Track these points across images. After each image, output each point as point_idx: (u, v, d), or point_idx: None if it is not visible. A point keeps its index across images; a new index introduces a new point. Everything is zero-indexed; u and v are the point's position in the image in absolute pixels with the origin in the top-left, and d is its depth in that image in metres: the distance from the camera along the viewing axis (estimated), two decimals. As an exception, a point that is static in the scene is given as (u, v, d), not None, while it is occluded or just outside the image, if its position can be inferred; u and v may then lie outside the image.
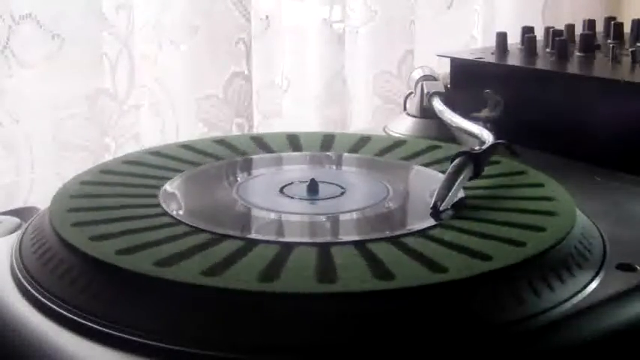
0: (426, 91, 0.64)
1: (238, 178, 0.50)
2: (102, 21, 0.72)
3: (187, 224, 0.41)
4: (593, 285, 0.38)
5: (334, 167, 0.54)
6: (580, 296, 0.37)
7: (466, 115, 0.61)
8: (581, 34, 0.69)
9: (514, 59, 0.67)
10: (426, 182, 0.47)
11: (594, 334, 0.36)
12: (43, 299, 0.37)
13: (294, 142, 0.56)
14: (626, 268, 0.39)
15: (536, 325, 0.35)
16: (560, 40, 0.66)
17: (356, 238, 0.40)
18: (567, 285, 0.37)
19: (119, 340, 0.33)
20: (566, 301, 0.36)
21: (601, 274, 0.39)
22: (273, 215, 0.43)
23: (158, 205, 0.44)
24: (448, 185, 0.44)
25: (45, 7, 0.69)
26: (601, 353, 0.36)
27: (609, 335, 0.36)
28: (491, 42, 0.71)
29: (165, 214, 0.43)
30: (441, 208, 0.43)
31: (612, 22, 0.74)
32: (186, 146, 0.55)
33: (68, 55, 0.70)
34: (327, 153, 0.55)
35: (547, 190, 0.46)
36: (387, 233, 0.40)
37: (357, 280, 0.35)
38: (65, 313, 0.35)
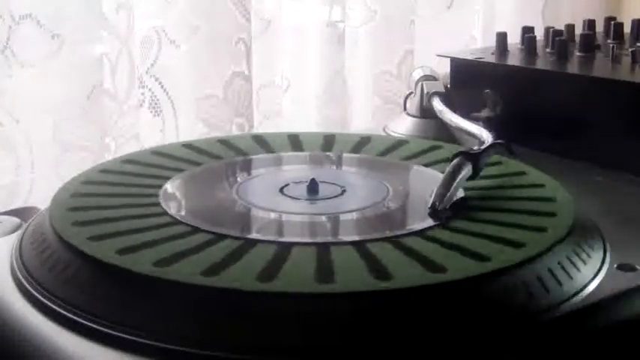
0: (426, 91, 0.64)
1: (238, 178, 0.50)
2: (102, 21, 0.72)
3: (187, 224, 0.41)
4: (593, 285, 0.38)
5: (334, 167, 0.54)
6: (580, 296, 0.37)
7: (466, 115, 0.61)
8: (581, 34, 0.69)
9: (514, 59, 0.67)
10: (426, 182, 0.47)
11: (594, 334, 0.36)
12: (43, 299, 0.37)
13: (294, 141, 0.56)
14: (626, 268, 0.39)
15: (537, 324, 0.35)
16: (560, 40, 0.66)
17: (355, 238, 0.40)
18: (568, 285, 0.37)
19: (119, 340, 0.33)
20: (566, 301, 0.36)
21: (601, 274, 0.39)
22: (272, 215, 0.43)
23: (158, 205, 0.44)
24: (446, 185, 0.44)
25: (45, 7, 0.69)
26: (601, 353, 0.36)
27: (609, 335, 0.36)
28: (492, 42, 0.71)
29: (165, 213, 0.43)
30: (440, 208, 0.43)
31: (612, 22, 0.74)
32: (189, 145, 0.55)
33: (68, 55, 0.70)
34: (327, 153, 0.55)
35: (547, 190, 0.46)
36: (386, 233, 0.40)
37: (356, 281, 0.35)
38: (65, 313, 0.35)
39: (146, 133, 0.78)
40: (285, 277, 0.35)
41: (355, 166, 0.53)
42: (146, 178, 0.48)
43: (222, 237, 0.39)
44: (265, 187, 0.48)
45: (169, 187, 0.47)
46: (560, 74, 0.62)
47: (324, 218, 0.43)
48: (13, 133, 0.69)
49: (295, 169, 0.52)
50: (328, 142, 0.56)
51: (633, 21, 0.72)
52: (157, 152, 0.53)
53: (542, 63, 0.65)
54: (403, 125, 0.65)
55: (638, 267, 0.39)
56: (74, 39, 0.70)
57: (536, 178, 0.48)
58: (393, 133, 0.64)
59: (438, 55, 0.71)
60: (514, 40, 0.72)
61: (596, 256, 0.40)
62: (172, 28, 0.78)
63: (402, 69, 0.94)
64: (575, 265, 0.38)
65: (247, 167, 0.52)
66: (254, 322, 0.33)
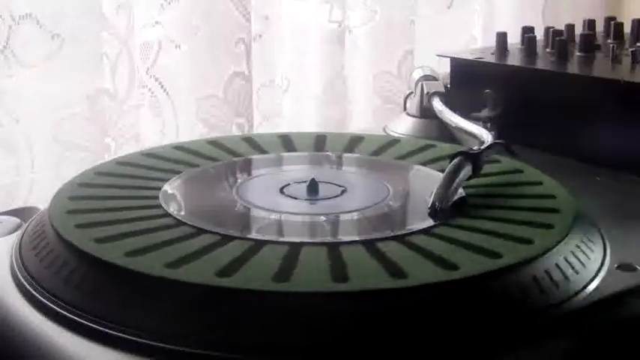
0: (426, 91, 0.64)
1: (238, 179, 0.49)
2: (102, 21, 0.72)
3: (174, 217, 0.41)
4: (594, 285, 0.38)
5: (335, 167, 0.54)
6: (580, 296, 0.37)
7: (466, 115, 0.61)
8: (581, 34, 0.69)
9: (514, 59, 0.67)
10: (427, 182, 0.47)
11: (594, 335, 0.36)
12: (43, 299, 0.37)
13: (319, 143, 0.56)
14: (626, 268, 0.39)
15: (535, 325, 0.35)
16: (560, 40, 0.66)
17: (363, 237, 0.40)
18: (567, 285, 0.37)
19: (119, 340, 0.33)
20: (566, 301, 0.36)
21: (601, 274, 0.39)
22: (276, 216, 0.43)
23: (159, 207, 0.44)
24: (446, 185, 0.44)
25: (45, 7, 0.69)
26: (601, 353, 0.36)
27: (609, 335, 0.36)
28: (492, 42, 0.71)
29: (167, 214, 0.42)
30: (439, 208, 0.43)
31: (612, 22, 0.74)
32: (214, 142, 0.55)
33: (68, 55, 0.70)
34: (328, 153, 0.55)
35: (555, 202, 0.45)
36: (362, 236, 0.40)
37: (370, 279, 0.35)
38: (65, 313, 0.35)
39: (146, 133, 0.78)
40: (300, 277, 0.35)
41: (355, 166, 0.53)
42: (156, 172, 0.49)
43: (201, 231, 0.39)
44: (266, 187, 0.48)
45: (172, 184, 0.47)
46: (560, 74, 0.62)
47: (329, 218, 0.43)
48: (13, 133, 0.69)
49: (295, 170, 0.52)
50: (353, 143, 0.56)
51: (633, 21, 0.72)
52: (179, 147, 0.54)
53: (542, 63, 0.65)
54: (403, 125, 0.65)
55: (638, 267, 0.39)
56: (74, 39, 0.70)
57: (549, 188, 0.47)
58: (393, 133, 0.64)
59: (438, 55, 0.71)
60: (514, 40, 0.72)
61: (596, 256, 0.40)
62: (172, 28, 0.78)
63: (402, 69, 0.94)
64: (573, 267, 0.38)
65: (247, 168, 0.52)
66: (272, 322, 0.33)
